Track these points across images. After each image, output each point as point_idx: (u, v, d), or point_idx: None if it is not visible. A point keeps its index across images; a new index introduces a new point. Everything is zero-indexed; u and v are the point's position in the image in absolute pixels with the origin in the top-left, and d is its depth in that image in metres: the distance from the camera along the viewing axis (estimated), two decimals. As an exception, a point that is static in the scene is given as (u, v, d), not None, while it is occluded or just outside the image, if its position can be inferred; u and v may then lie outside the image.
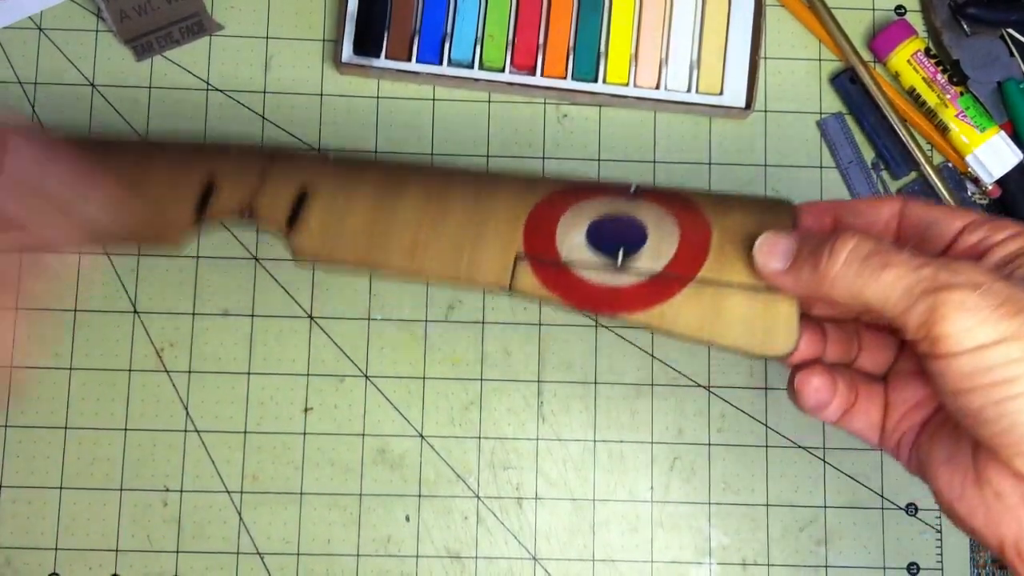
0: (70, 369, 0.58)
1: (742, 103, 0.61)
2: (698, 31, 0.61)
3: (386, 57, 0.60)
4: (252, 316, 0.59)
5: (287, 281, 0.59)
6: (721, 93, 0.61)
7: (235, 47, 0.61)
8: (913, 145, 0.60)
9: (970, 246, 0.38)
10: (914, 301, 0.35)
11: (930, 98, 0.60)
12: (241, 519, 0.58)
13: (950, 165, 0.61)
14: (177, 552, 0.57)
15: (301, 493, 0.58)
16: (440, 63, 0.60)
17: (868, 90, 0.60)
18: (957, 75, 0.60)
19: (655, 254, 0.39)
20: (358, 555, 0.57)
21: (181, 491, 0.58)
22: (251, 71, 0.61)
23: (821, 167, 0.61)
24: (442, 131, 0.61)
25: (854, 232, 0.37)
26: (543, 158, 0.61)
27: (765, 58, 0.62)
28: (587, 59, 0.60)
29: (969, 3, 0.60)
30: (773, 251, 0.39)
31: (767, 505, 0.59)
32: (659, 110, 0.61)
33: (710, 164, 0.61)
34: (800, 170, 0.61)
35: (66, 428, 0.58)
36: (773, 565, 0.58)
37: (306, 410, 0.59)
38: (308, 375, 0.59)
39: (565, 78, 0.60)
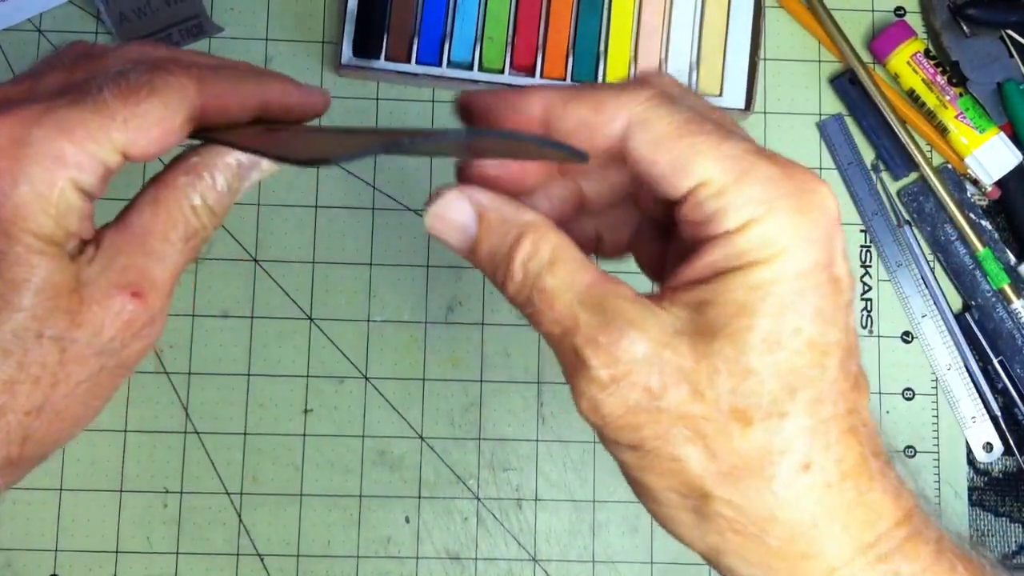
0: (70, 371, 0.58)
1: (741, 104, 0.61)
2: (697, 32, 0.61)
3: (386, 59, 0.60)
4: (252, 318, 0.59)
5: (286, 283, 0.59)
6: (720, 94, 0.61)
7: (235, 49, 0.61)
8: (912, 146, 0.60)
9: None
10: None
11: (929, 99, 0.60)
12: (241, 521, 0.58)
13: (949, 166, 0.61)
14: (177, 553, 0.57)
15: (301, 494, 0.58)
16: (440, 65, 0.60)
17: (868, 91, 0.60)
18: (956, 76, 0.60)
19: None
20: (358, 556, 0.58)
21: (181, 492, 0.58)
22: (251, 73, 0.61)
23: (821, 168, 0.61)
24: (442, 132, 0.61)
25: (534, 226, 0.32)
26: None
27: (764, 59, 0.62)
28: (586, 60, 0.60)
29: (969, 4, 0.60)
30: (446, 229, 0.33)
31: (767, 506, 0.58)
32: (658, 111, 0.61)
33: (710, 165, 0.61)
34: (800, 171, 0.61)
35: (66, 430, 0.58)
36: (773, 566, 0.58)
37: (306, 411, 0.59)
38: (308, 376, 0.59)
39: (565, 79, 0.60)
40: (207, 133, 0.34)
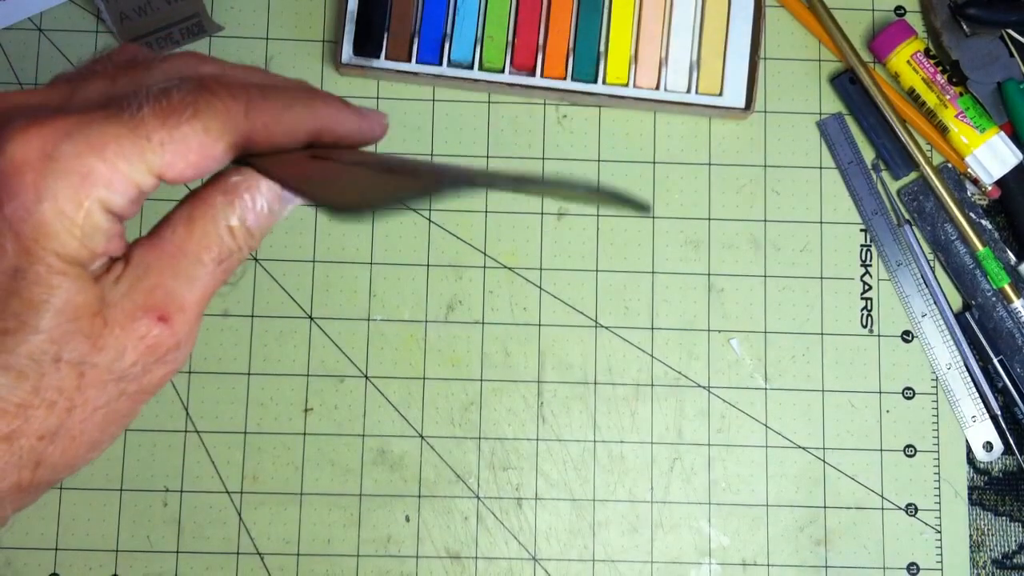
0: (70, 370, 0.58)
1: (742, 104, 0.61)
2: (698, 32, 0.61)
3: (386, 58, 0.60)
4: (252, 316, 0.59)
5: (287, 282, 0.59)
6: (721, 94, 0.61)
7: (235, 48, 0.61)
8: (913, 145, 0.60)
9: None
10: None
11: (930, 99, 0.60)
12: (241, 519, 0.58)
13: (950, 165, 0.61)
14: (177, 552, 0.57)
15: (301, 493, 0.58)
16: (440, 64, 0.60)
17: (868, 90, 0.60)
18: (957, 75, 0.60)
19: None
20: (358, 555, 0.57)
21: (181, 491, 0.58)
22: (251, 72, 0.61)
23: (821, 167, 0.61)
24: (442, 132, 0.61)
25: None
26: (543, 159, 0.61)
27: (765, 59, 0.62)
28: (587, 60, 0.60)
29: (969, 3, 0.60)
30: None
31: (767, 505, 0.59)
32: (659, 111, 0.61)
33: (710, 165, 0.61)
34: (800, 170, 0.61)
35: (66, 428, 0.58)
36: (773, 565, 0.58)
37: (306, 410, 0.59)
38: (308, 375, 0.59)
39: (565, 79, 0.60)
40: (252, 159, 0.32)
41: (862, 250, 0.61)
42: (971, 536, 0.59)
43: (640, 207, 0.30)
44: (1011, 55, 0.61)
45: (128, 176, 0.30)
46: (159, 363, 0.32)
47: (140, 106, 0.30)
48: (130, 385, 0.32)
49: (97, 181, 0.29)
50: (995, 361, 0.59)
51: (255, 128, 0.31)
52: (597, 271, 0.60)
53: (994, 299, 0.60)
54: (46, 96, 0.32)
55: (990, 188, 0.61)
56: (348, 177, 0.32)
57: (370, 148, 0.37)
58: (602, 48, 0.61)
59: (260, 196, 0.32)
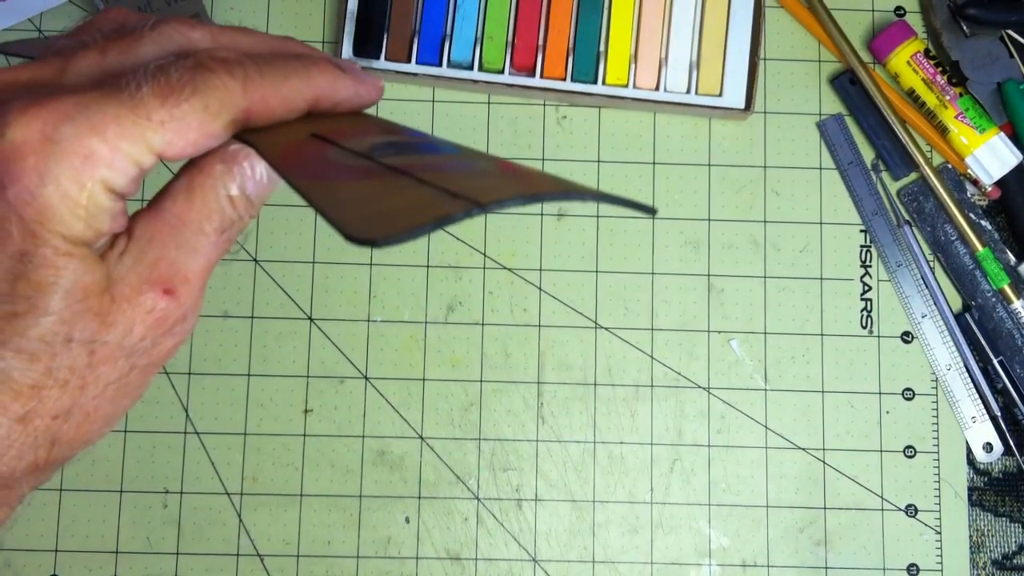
0: (70, 371, 0.58)
1: (741, 104, 0.61)
2: (697, 32, 0.61)
3: (386, 58, 0.60)
4: (252, 318, 0.59)
5: (287, 283, 0.59)
6: (720, 94, 0.61)
7: (235, 49, 0.61)
8: (912, 146, 0.60)
9: None
10: None
11: (929, 99, 0.60)
12: (241, 521, 0.58)
13: (949, 166, 0.61)
14: (177, 554, 0.57)
15: (301, 495, 0.58)
16: (440, 64, 0.60)
17: (868, 91, 0.60)
18: (956, 76, 0.60)
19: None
20: (358, 556, 0.58)
21: (181, 493, 0.58)
22: (251, 72, 0.61)
23: (821, 168, 0.61)
24: (442, 132, 0.61)
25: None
26: (543, 160, 0.61)
27: (765, 59, 0.62)
28: (587, 60, 0.60)
29: (969, 4, 0.60)
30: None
31: (767, 506, 0.59)
32: (658, 111, 0.61)
33: (709, 165, 0.61)
34: (800, 171, 0.61)
35: (66, 430, 0.58)
36: (773, 566, 0.58)
37: (306, 411, 0.59)
38: (308, 377, 0.59)
39: (564, 79, 0.60)
40: (251, 138, 0.32)
41: (862, 251, 0.61)
42: (971, 537, 0.59)
43: (648, 211, 0.30)
44: (1011, 55, 0.61)
45: (129, 156, 0.30)
46: (167, 335, 0.32)
47: (139, 85, 0.30)
48: (140, 359, 0.32)
49: (99, 162, 0.29)
50: (995, 362, 0.59)
51: (253, 102, 0.31)
52: (597, 272, 0.60)
53: (994, 300, 0.60)
54: (37, 72, 0.31)
55: (990, 189, 0.61)
56: (361, 182, 0.30)
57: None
58: (602, 48, 0.61)
59: (259, 164, 0.32)
